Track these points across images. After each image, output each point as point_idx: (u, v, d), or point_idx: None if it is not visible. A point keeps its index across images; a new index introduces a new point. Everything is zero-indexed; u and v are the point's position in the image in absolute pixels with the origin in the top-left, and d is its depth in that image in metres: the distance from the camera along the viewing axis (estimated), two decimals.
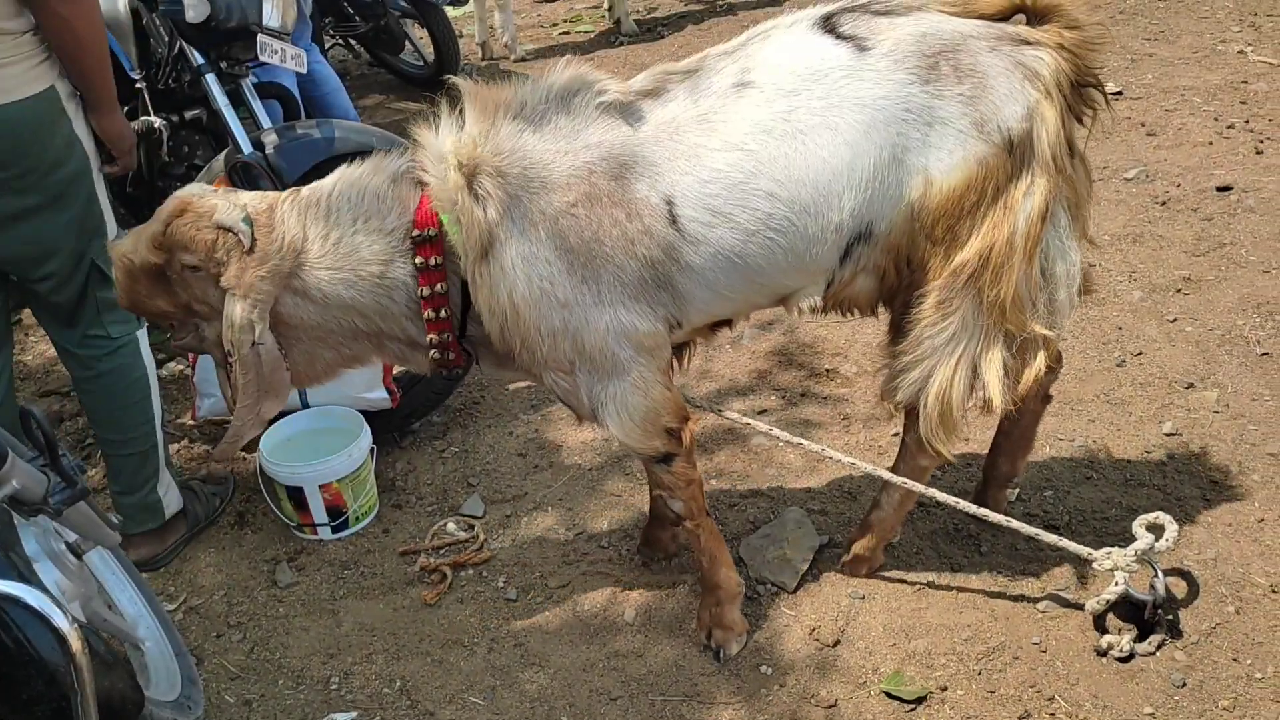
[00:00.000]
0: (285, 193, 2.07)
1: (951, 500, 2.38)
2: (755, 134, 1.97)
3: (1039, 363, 2.18)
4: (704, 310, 2.15)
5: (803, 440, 2.42)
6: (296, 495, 2.83)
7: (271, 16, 2.88)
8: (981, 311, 2.10)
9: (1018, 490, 2.77)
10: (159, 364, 3.69)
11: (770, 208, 1.99)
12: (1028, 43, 2.03)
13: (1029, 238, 2.04)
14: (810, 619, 2.50)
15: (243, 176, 2.89)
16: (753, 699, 2.32)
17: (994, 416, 2.38)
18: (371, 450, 2.93)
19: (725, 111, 1.99)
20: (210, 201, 1.98)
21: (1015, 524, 2.35)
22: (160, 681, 2.19)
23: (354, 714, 2.39)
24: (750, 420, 2.45)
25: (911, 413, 2.28)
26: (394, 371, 3.09)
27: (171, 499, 2.82)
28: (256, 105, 3.18)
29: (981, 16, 2.07)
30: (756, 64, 2.01)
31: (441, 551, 2.84)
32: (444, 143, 2.00)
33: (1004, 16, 2.09)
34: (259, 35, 2.85)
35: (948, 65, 1.97)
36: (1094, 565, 2.34)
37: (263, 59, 2.90)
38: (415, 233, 1.99)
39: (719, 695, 2.34)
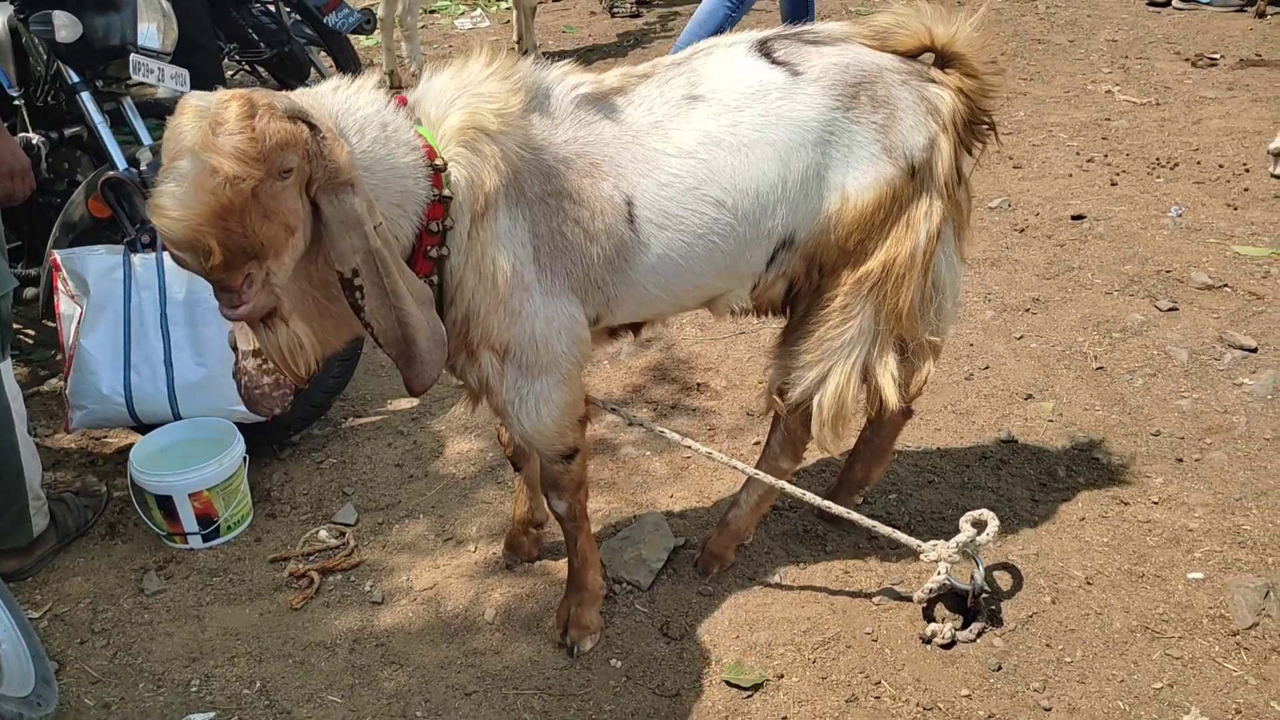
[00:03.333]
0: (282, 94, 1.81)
1: (799, 492, 2.52)
2: (707, 144, 2.11)
3: (927, 368, 2.42)
4: (631, 311, 2.28)
5: (691, 442, 2.54)
6: (166, 504, 2.87)
7: (149, 37, 2.96)
8: (880, 318, 2.29)
9: (864, 497, 2.93)
10: (40, 379, 3.71)
11: (716, 214, 2.14)
12: (933, 80, 2.23)
13: (926, 253, 2.24)
14: (662, 615, 2.62)
15: (115, 193, 2.95)
16: (601, 690, 2.42)
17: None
18: (244, 459, 2.98)
19: (678, 121, 2.13)
20: (248, 94, 1.66)
21: (854, 515, 2.50)
22: (13, 680, 2.22)
23: (212, 714, 2.44)
24: (642, 420, 2.57)
25: (793, 413, 2.43)
26: None
27: (40, 519, 2.84)
28: (138, 123, 3.25)
29: (896, 52, 2.25)
30: (703, 79, 2.16)
31: (311, 558, 2.90)
32: (460, 92, 2.00)
33: (915, 54, 2.28)
34: (133, 55, 2.92)
35: (866, 95, 2.16)
36: (921, 556, 2.50)
37: (136, 79, 2.97)
38: (434, 162, 1.93)
39: (570, 688, 2.44)
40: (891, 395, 2.33)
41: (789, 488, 2.53)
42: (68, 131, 3.28)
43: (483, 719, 2.38)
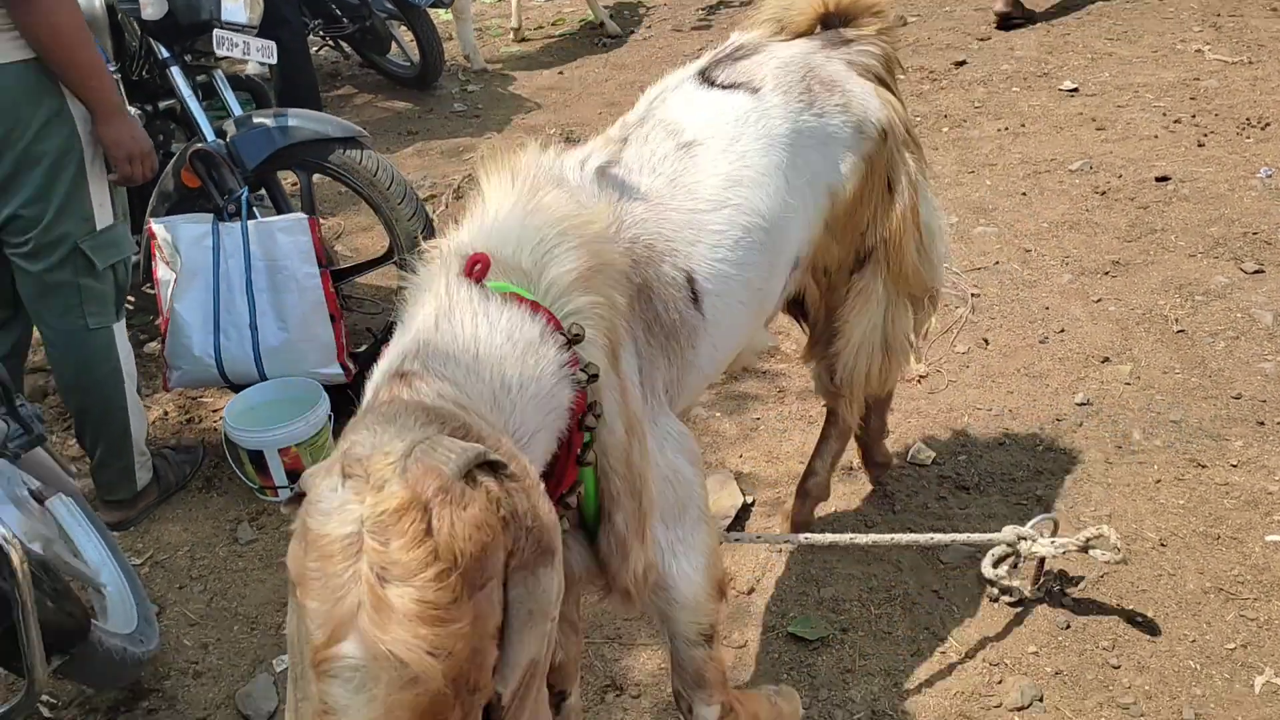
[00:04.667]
0: (388, 378, 1.36)
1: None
2: (732, 185, 1.90)
3: (933, 311, 2.46)
4: (684, 402, 1.94)
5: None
6: (258, 459, 3.02)
7: (234, 12, 3.08)
8: (890, 285, 2.29)
9: (933, 456, 2.94)
10: (140, 343, 3.90)
11: (759, 258, 1.92)
12: (848, 41, 2.19)
13: (912, 208, 2.23)
14: (730, 570, 2.67)
15: (204, 164, 3.08)
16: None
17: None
18: (329, 418, 3.11)
19: (691, 171, 1.88)
20: (408, 480, 1.09)
21: (937, 538, 2.47)
22: (117, 618, 2.37)
23: None
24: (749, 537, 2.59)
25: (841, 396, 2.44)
26: (349, 347, 3.27)
27: (143, 474, 3.01)
28: (228, 95, 3.38)
29: (797, 34, 2.21)
30: (680, 124, 1.95)
31: None
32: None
33: (811, 30, 2.23)
34: (217, 30, 3.04)
35: (816, 84, 2.08)
36: (987, 557, 2.49)
37: (221, 53, 3.10)
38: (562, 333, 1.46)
39: (639, 638, 2.52)
40: (910, 356, 2.35)
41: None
42: (161, 105, 3.44)
43: None
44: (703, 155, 1.91)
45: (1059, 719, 2.22)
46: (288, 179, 3.97)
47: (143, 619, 2.46)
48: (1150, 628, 2.39)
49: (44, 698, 2.49)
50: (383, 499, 1.07)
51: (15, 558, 1.69)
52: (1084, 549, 2.34)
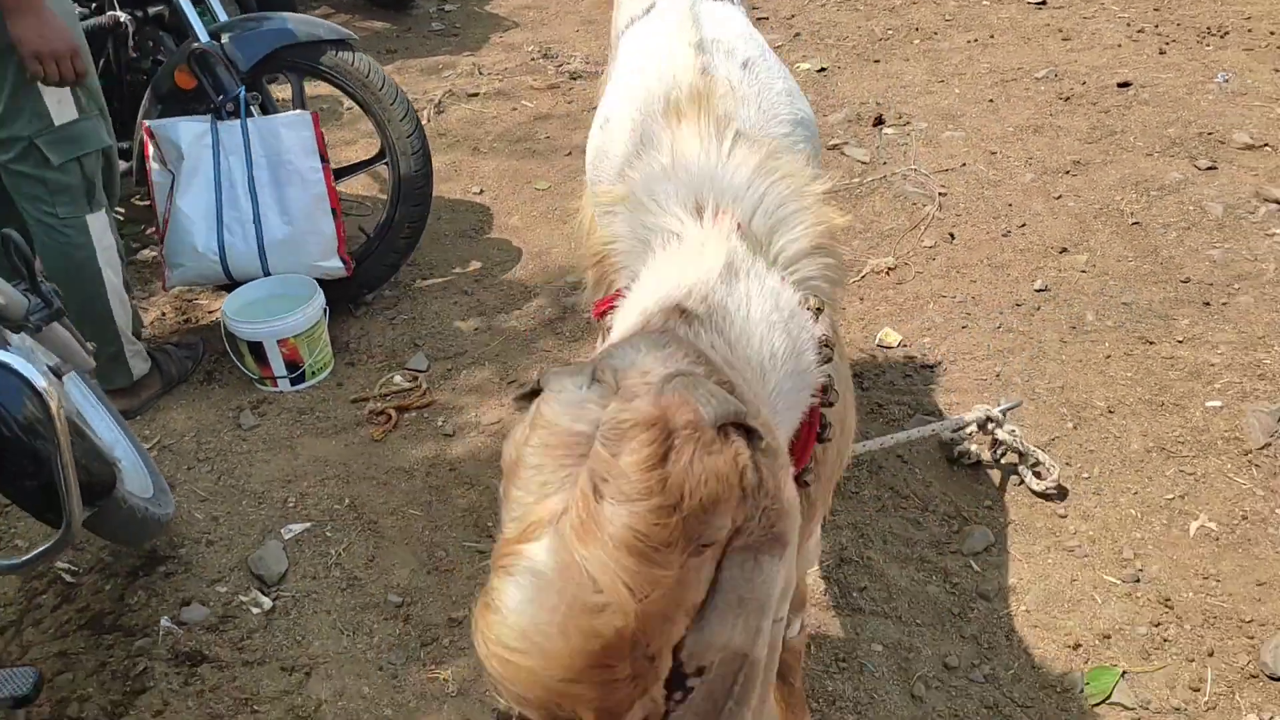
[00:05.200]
0: (664, 308, 1.25)
1: None
2: (796, 99, 1.94)
3: None
4: None
5: None
6: (257, 350, 3.15)
7: None
8: None
9: (900, 339, 3.11)
10: (133, 251, 4.00)
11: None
12: None
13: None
14: None
15: (200, 65, 3.17)
16: None
17: None
18: (325, 311, 3.24)
19: (767, 95, 1.87)
20: (662, 402, 1.00)
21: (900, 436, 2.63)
22: (134, 484, 2.52)
23: (308, 524, 2.74)
24: None
25: None
26: (346, 243, 3.39)
27: (138, 363, 3.12)
28: (216, 4, 3.45)
29: None
30: (724, 41, 1.92)
31: (388, 398, 3.18)
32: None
33: None
34: None
35: None
36: (958, 436, 2.67)
37: None
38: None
39: None
40: None
41: None
42: (151, 10, 3.50)
43: None
44: (762, 73, 1.90)
45: (1011, 560, 2.43)
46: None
47: (158, 488, 2.62)
48: (1097, 483, 2.59)
49: (64, 566, 2.65)
50: (628, 409, 0.97)
51: (54, 405, 1.83)
52: (1033, 467, 2.59)
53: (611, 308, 1.44)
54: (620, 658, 0.94)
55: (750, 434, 1.02)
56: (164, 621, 2.49)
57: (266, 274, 3.29)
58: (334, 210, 3.26)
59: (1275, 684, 2.12)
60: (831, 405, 1.43)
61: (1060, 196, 3.67)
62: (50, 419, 1.87)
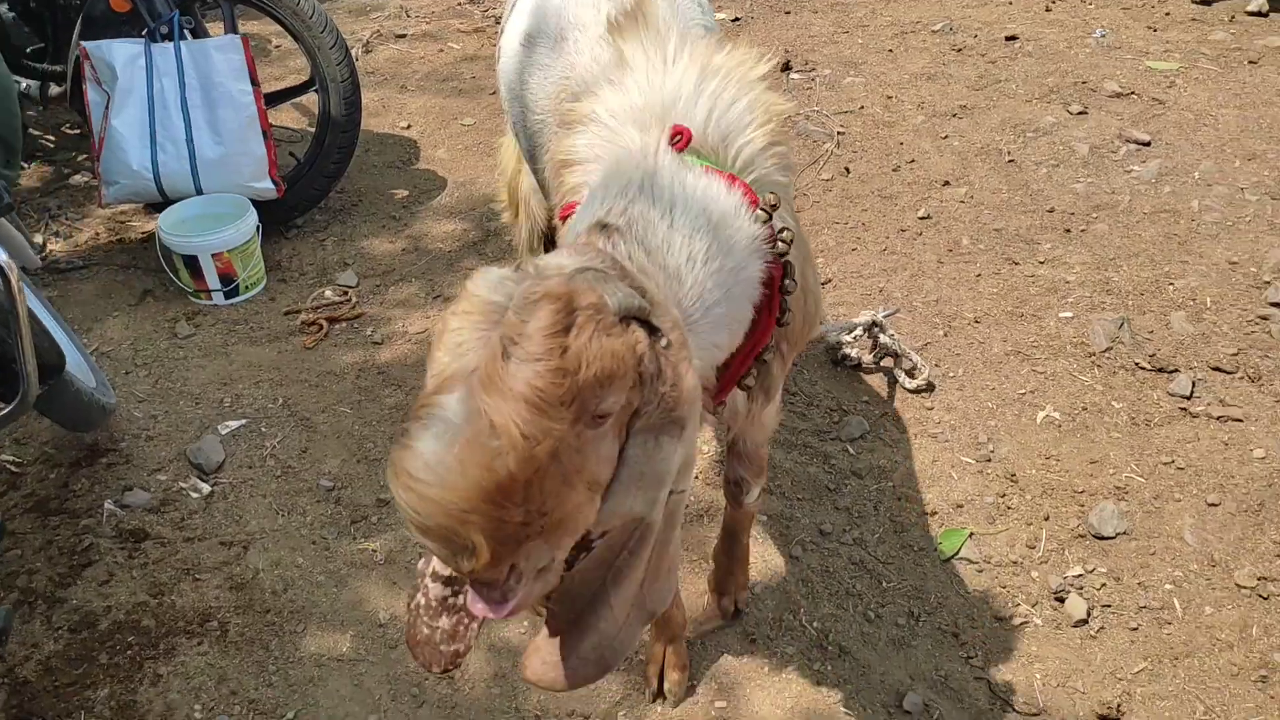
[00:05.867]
0: (590, 225, 1.40)
1: None
2: (707, 12, 2.16)
3: None
4: None
5: None
6: (192, 264, 3.32)
7: None
8: None
9: None
10: (65, 176, 4.09)
11: None
12: None
13: None
14: None
15: None
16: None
17: None
18: (257, 228, 3.41)
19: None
20: (571, 283, 1.14)
21: None
22: (78, 373, 2.69)
23: (243, 421, 2.94)
24: None
25: None
26: (278, 168, 3.56)
27: None
28: None
29: None
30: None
31: (320, 310, 3.37)
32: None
33: None
34: None
35: None
36: (843, 341, 2.97)
37: None
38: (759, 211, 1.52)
39: None
40: None
41: None
42: None
43: None
44: None
45: (882, 445, 2.74)
46: None
47: (100, 382, 2.79)
48: (960, 381, 2.91)
49: (8, 458, 2.82)
50: (540, 283, 1.12)
51: (13, 277, 2.01)
52: (908, 369, 2.89)
53: (569, 215, 1.59)
54: (512, 499, 1.07)
55: (652, 330, 1.18)
56: (108, 504, 2.67)
57: (199, 192, 3.44)
58: (265, 133, 3.42)
59: (1098, 542, 2.46)
60: (789, 293, 1.55)
61: (947, 137, 3.99)
62: (10, 291, 2.04)
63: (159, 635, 2.37)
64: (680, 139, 1.49)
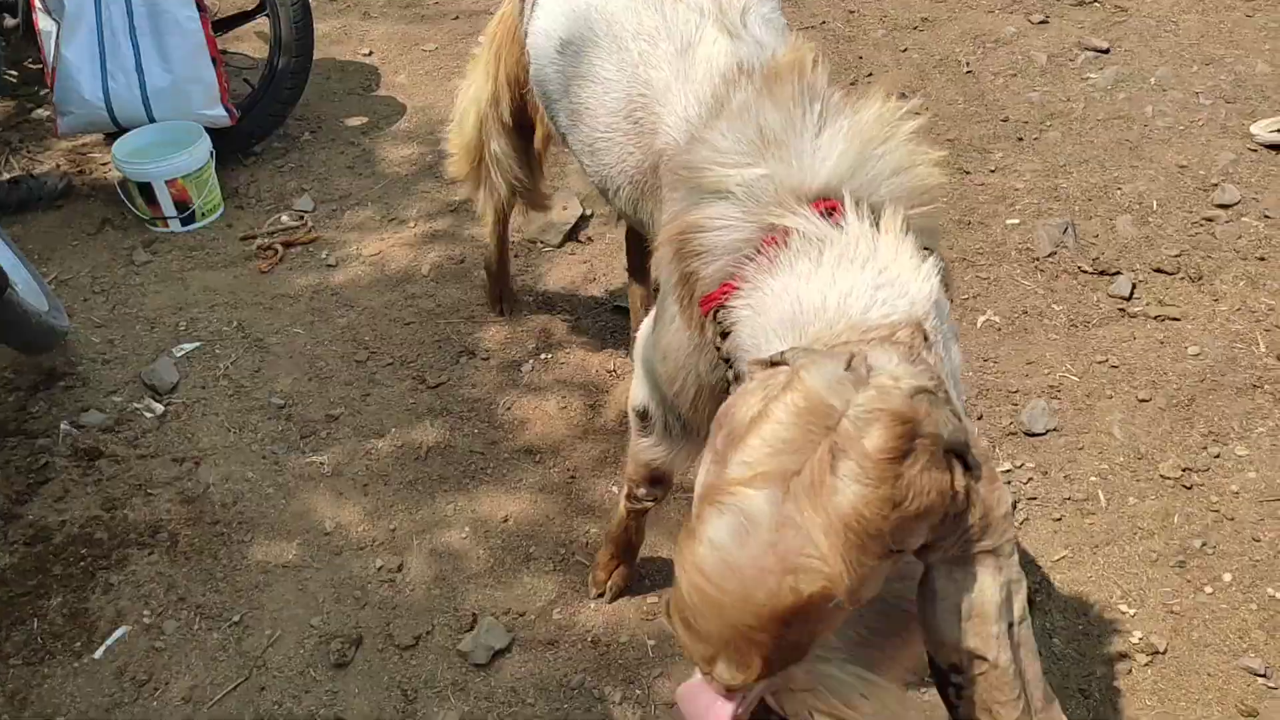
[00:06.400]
0: (909, 323, 1.22)
1: None
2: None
3: None
4: None
5: None
6: (147, 191, 3.34)
7: None
8: None
9: None
10: (27, 111, 4.10)
11: None
12: None
13: None
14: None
15: None
16: (511, 322, 2.97)
17: None
18: (211, 154, 3.42)
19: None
20: (914, 406, 1.04)
21: None
22: (30, 298, 2.74)
23: (198, 343, 2.99)
24: None
25: None
26: (230, 92, 3.55)
27: None
28: None
29: None
30: None
31: (275, 235, 3.40)
32: None
33: None
34: None
35: None
36: None
37: None
38: None
39: (490, 317, 2.98)
40: None
41: None
42: None
43: (416, 339, 2.94)
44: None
45: None
46: None
47: (53, 306, 2.84)
48: None
49: None
50: (885, 398, 1.01)
51: None
52: None
53: (722, 305, 1.38)
54: (801, 623, 0.99)
55: (969, 465, 1.07)
56: (63, 425, 2.73)
57: (151, 121, 3.45)
58: (214, 60, 3.42)
59: (1029, 439, 2.50)
60: None
61: (906, 50, 3.96)
62: None
63: (111, 547, 2.43)
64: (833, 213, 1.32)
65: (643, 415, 1.83)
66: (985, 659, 1.10)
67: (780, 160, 1.37)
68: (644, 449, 1.87)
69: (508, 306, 3.03)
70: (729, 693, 1.07)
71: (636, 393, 1.84)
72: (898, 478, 0.98)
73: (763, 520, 0.98)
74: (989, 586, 1.09)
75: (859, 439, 0.98)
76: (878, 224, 1.31)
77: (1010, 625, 1.11)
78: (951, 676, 1.12)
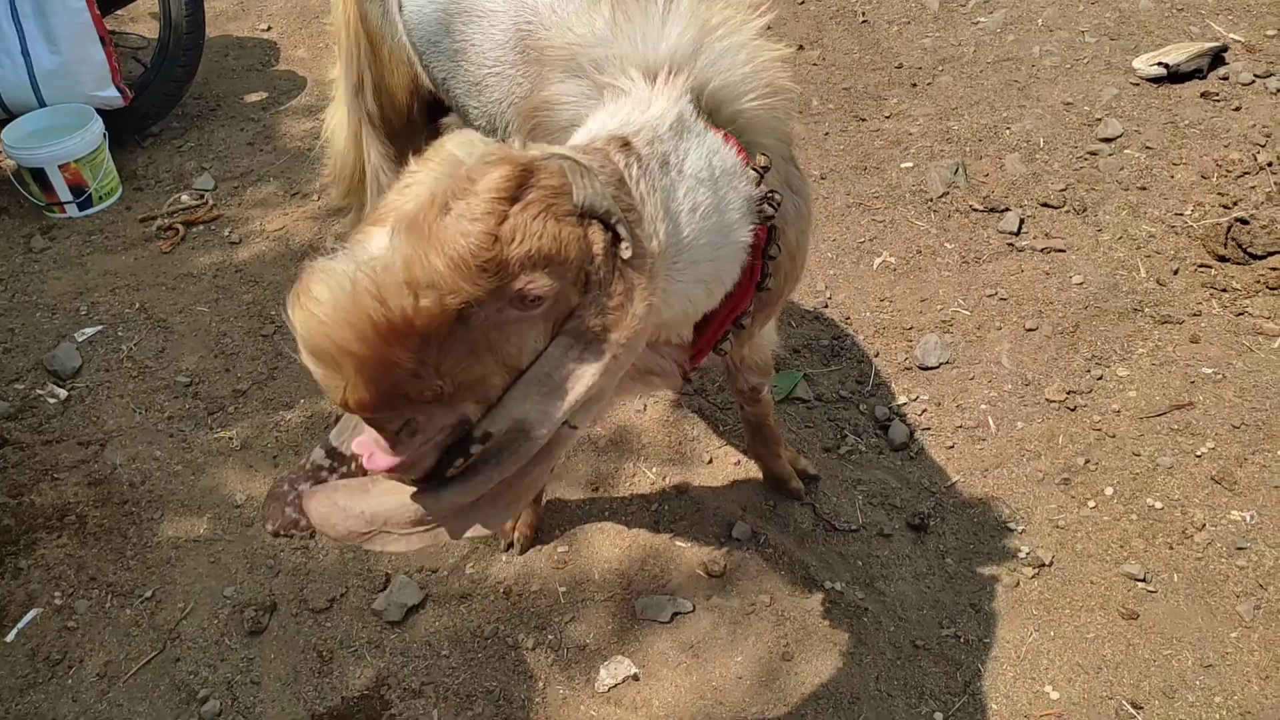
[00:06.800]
0: (611, 135, 1.33)
1: None
2: None
3: None
4: None
5: None
6: (40, 176, 3.28)
7: None
8: None
9: None
10: None
11: None
12: None
13: None
14: None
15: None
16: None
17: None
18: (104, 136, 3.37)
19: None
20: (540, 159, 1.14)
21: None
22: None
23: (100, 327, 2.95)
24: None
25: None
26: (121, 72, 3.49)
27: None
28: None
29: None
30: None
31: (176, 214, 3.36)
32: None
33: None
34: None
35: None
36: None
37: None
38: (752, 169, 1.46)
39: None
40: None
41: None
42: None
43: None
44: None
45: None
46: None
47: None
48: None
49: None
50: (507, 151, 1.09)
51: None
52: None
53: None
54: (404, 344, 1.04)
55: (617, 238, 1.13)
56: None
57: (42, 104, 3.38)
58: (103, 39, 3.36)
59: (923, 373, 2.58)
60: (773, 258, 1.52)
61: (803, 3, 4.01)
62: None
63: (19, 533, 2.42)
64: (692, 96, 1.43)
65: None
66: (529, 435, 1.15)
67: (629, 41, 1.46)
68: None
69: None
70: (390, 440, 1.12)
71: None
72: (504, 218, 1.06)
73: (373, 250, 1.06)
74: (585, 374, 1.15)
75: (470, 182, 1.07)
76: (699, 100, 1.41)
77: (566, 424, 1.18)
78: (473, 448, 1.15)
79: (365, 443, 1.15)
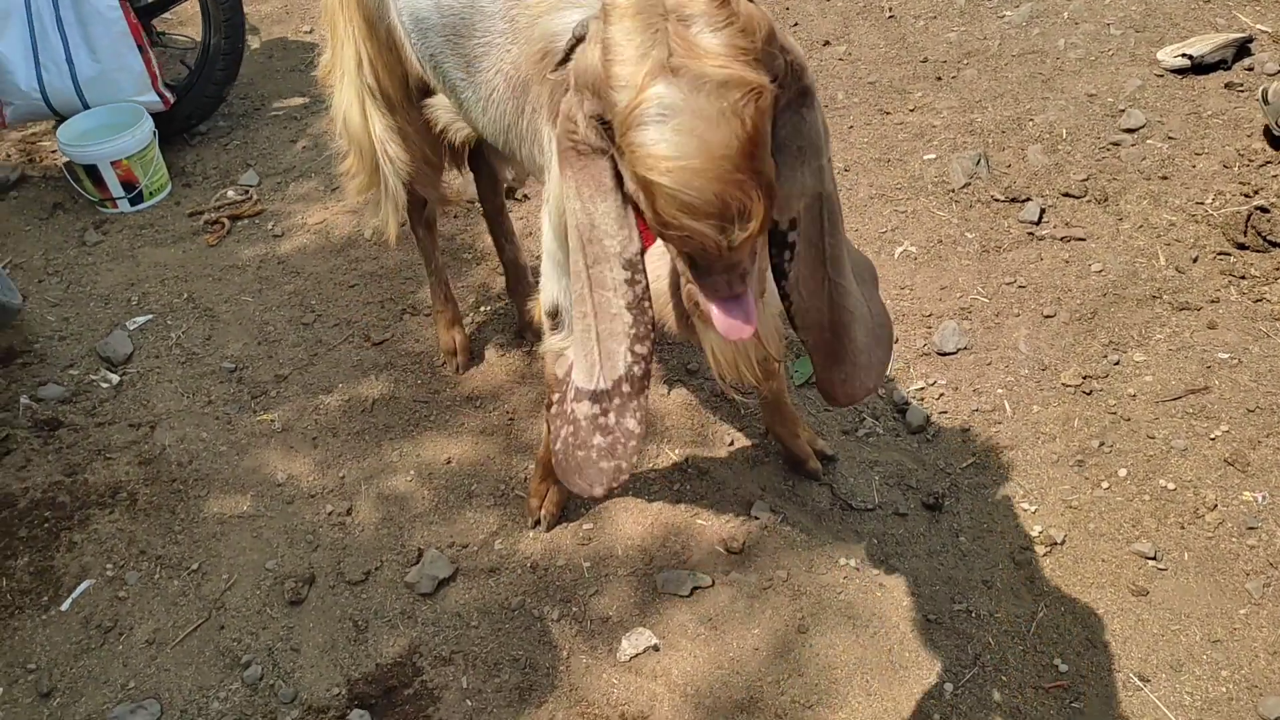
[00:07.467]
0: None
1: None
2: None
3: None
4: None
5: None
6: (93, 173, 3.43)
7: None
8: None
9: None
10: None
11: None
12: None
13: None
14: None
15: None
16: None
17: None
18: (154, 134, 3.51)
19: None
20: None
21: None
22: None
23: (150, 316, 3.09)
24: None
25: None
26: (165, 76, 3.64)
27: None
28: None
29: None
30: None
31: (222, 209, 3.50)
32: None
33: None
34: None
35: None
36: None
37: None
38: None
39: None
40: None
41: None
42: None
43: (360, 301, 3.05)
44: None
45: None
46: None
47: (4, 286, 2.93)
48: None
49: None
50: None
51: None
52: None
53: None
54: (760, 150, 1.12)
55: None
56: (23, 399, 2.84)
57: (87, 108, 3.53)
58: (141, 46, 3.50)
59: (940, 358, 2.64)
60: None
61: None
62: None
63: (73, 509, 2.55)
64: None
65: (554, 314, 1.90)
66: (820, 193, 1.29)
67: None
68: (557, 344, 1.90)
69: (463, 360, 2.81)
70: (726, 282, 1.19)
71: (546, 293, 1.89)
72: (736, 14, 1.12)
73: (679, 98, 1.09)
74: (817, 121, 1.28)
75: (684, 5, 1.12)
76: None
77: (830, 160, 1.31)
78: (789, 236, 1.30)
79: (717, 309, 1.21)
